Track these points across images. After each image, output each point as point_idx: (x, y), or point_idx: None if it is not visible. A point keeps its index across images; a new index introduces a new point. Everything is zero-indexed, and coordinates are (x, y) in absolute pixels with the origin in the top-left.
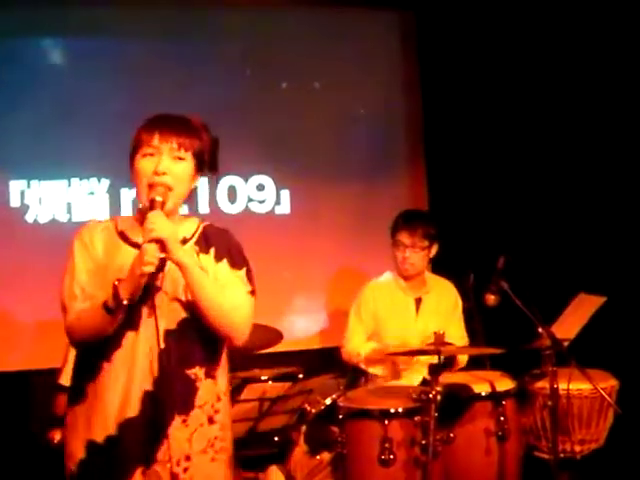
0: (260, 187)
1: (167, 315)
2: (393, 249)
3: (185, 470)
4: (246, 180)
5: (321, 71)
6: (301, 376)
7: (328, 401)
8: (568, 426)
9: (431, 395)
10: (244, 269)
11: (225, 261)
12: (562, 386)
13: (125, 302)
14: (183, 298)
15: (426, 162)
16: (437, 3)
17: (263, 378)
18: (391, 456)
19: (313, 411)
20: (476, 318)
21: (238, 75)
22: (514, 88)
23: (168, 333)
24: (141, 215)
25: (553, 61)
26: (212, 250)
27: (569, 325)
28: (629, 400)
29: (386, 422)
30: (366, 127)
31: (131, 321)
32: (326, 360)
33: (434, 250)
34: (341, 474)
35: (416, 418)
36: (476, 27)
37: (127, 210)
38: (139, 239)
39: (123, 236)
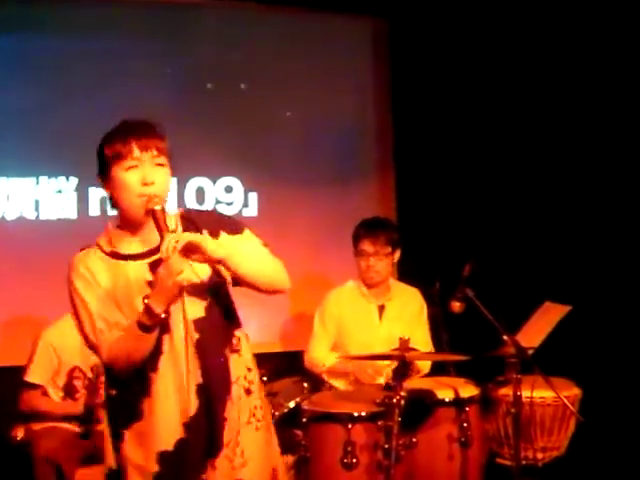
0: (228, 189)
1: (192, 304)
2: (356, 258)
3: (237, 445)
4: (214, 182)
5: (292, 75)
6: (265, 379)
7: (292, 404)
8: (530, 433)
9: (395, 400)
10: (245, 230)
11: (223, 233)
12: (525, 394)
13: (163, 316)
14: (199, 282)
15: (395, 169)
16: (411, 11)
17: None
18: (354, 460)
19: (277, 414)
20: (441, 325)
21: (209, 77)
22: (484, 97)
23: (197, 322)
24: (132, 224)
25: (525, 71)
26: (205, 232)
27: (534, 333)
28: (591, 409)
29: (349, 426)
30: (336, 133)
31: (162, 325)
32: (290, 363)
33: (397, 255)
34: (304, 477)
35: (379, 422)
36: (449, 36)
37: (94, 209)
38: (129, 248)
39: (115, 255)
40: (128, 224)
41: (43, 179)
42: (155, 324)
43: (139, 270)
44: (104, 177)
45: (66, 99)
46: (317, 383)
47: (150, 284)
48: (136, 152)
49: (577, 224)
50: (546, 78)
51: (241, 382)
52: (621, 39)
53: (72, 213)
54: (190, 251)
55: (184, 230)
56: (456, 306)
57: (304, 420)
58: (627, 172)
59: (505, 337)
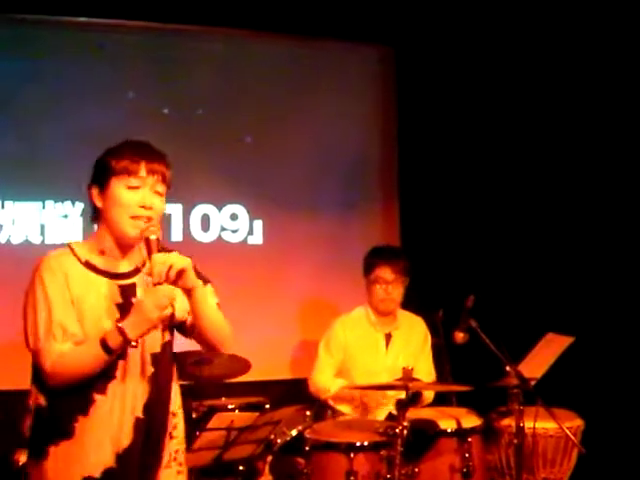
0: (233, 217)
1: (151, 338)
2: (372, 286)
3: None
4: (220, 209)
5: (298, 104)
6: (267, 406)
7: (294, 432)
8: (532, 464)
9: (397, 430)
10: (209, 284)
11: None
12: (528, 424)
13: (134, 344)
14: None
15: (400, 198)
16: (417, 40)
17: (230, 407)
18: None
19: (279, 442)
20: (444, 355)
21: (213, 104)
22: (489, 129)
23: (154, 356)
24: (116, 241)
25: (531, 101)
26: None
27: (536, 364)
28: (593, 440)
29: (352, 455)
30: (341, 161)
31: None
32: (296, 391)
33: (406, 284)
34: None
35: (382, 452)
36: (455, 65)
37: None
38: (105, 265)
39: (89, 266)
40: (111, 240)
41: (49, 204)
42: (121, 349)
43: (111, 289)
44: (101, 188)
45: (70, 122)
46: (320, 411)
47: (119, 307)
48: (142, 173)
49: (580, 256)
50: (555, 103)
51: (169, 425)
52: (621, 51)
53: (78, 238)
54: (178, 277)
55: None
56: (460, 336)
57: (306, 448)
58: (631, 204)
59: (508, 368)
